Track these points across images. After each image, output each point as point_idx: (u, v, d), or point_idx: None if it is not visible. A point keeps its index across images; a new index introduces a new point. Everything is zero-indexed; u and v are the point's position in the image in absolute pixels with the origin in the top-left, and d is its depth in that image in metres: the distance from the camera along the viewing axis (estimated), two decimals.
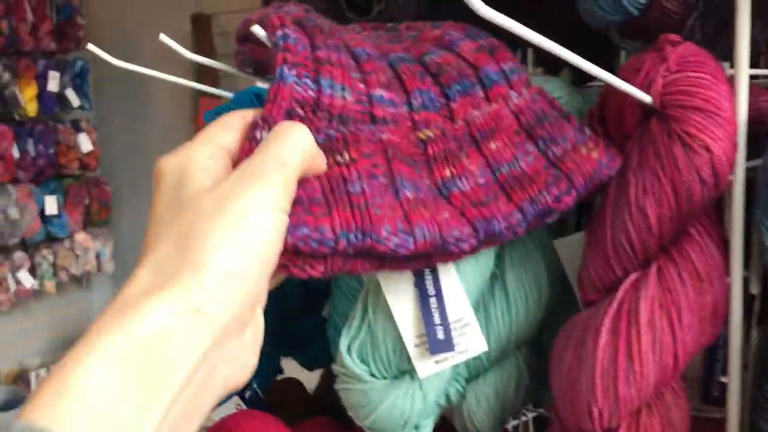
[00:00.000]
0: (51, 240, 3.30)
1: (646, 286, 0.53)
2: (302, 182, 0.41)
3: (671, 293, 0.53)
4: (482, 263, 0.59)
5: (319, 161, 0.42)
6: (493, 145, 0.52)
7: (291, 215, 0.39)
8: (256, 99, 0.72)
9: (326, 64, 0.47)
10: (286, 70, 0.45)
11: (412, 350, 0.55)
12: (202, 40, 3.38)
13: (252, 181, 0.36)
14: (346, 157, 0.44)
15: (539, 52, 0.72)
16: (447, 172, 0.50)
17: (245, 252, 0.34)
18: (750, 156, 0.53)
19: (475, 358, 0.63)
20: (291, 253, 0.40)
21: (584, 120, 0.59)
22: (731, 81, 0.53)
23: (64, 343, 3.46)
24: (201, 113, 3.41)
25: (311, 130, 0.42)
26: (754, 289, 0.56)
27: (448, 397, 0.63)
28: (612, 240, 0.55)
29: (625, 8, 0.56)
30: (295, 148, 0.39)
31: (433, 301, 0.56)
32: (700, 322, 0.53)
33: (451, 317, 0.56)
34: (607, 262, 0.56)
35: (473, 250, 0.50)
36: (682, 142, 0.52)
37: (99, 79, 3.65)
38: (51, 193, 3.28)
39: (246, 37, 0.56)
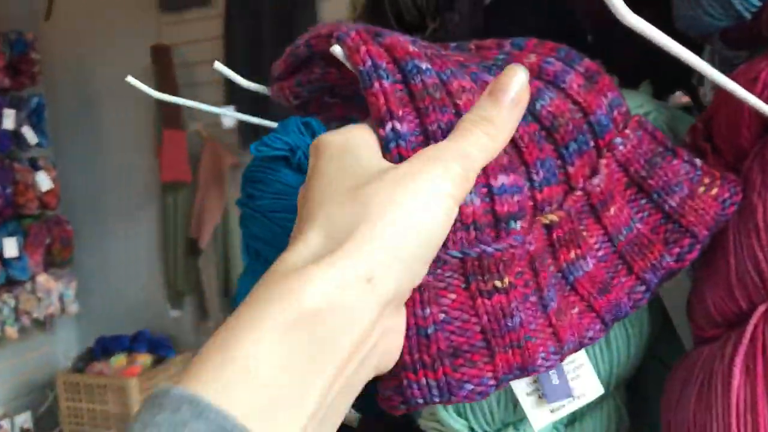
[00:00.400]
0: (11, 283, 3.17)
1: None
2: (463, 329, 0.38)
3: None
4: None
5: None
6: (611, 211, 0.46)
7: (454, 372, 0.37)
8: (304, 127, 0.66)
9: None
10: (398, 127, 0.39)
11: (524, 399, 0.49)
12: (163, 72, 3.34)
13: (432, 164, 0.35)
14: (506, 281, 0.39)
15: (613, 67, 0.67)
16: (572, 255, 0.45)
17: (417, 230, 0.34)
18: None
19: None
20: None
21: (686, 142, 0.53)
22: None
23: (28, 391, 3.31)
24: (164, 145, 3.34)
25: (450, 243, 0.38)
26: None
27: None
28: (736, 269, 0.50)
29: (738, 11, 0.51)
30: (480, 146, 0.37)
31: None
32: None
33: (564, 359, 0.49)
34: (731, 293, 0.50)
35: None
36: None
37: (56, 115, 3.56)
38: (10, 234, 3.16)
39: (306, 60, 0.47)
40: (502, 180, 0.41)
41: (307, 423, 0.29)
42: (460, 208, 0.38)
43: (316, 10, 2.93)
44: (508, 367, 0.39)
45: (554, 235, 0.44)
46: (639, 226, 0.47)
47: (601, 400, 0.60)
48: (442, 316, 0.38)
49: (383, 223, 0.33)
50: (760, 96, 0.49)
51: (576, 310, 0.44)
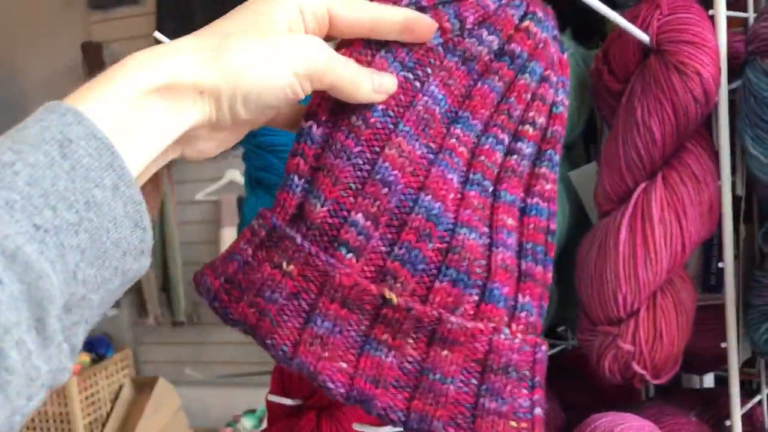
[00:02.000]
0: None
1: (654, 190, 0.65)
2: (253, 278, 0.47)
3: (676, 193, 0.64)
4: None
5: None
6: (444, 352, 0.47)
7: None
8: None
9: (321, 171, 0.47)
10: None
11: None
12: (93, 70, 3.33)
13: (307, 46, 0.43)
14: (291, 269, 0.46)
15: None
16: (383, 337, 0.46)
17: (256, 82, 0.41)
18: (730, 81, 0.66)
19: None
20: None
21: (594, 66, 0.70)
22: (712, 20, 0.66)
23: None
24: None
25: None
26: (740, 191, 0.69)
27: None
28: (624, 156, 0.66)
29: None
30: (346, 77, 0.45)
31: None
32: (700, 216, 0.65)
33: None
34: (620, 175, 0.67)
35: None
36: (677, 70, 0.64)
37: None
38: None
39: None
40: (358, 217, 0.46)
41: (145, 162, 0.39)
42: (307, 206, 0.46)
43: None
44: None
45: (383, 310, 0.46)
46: (452, 388, 0.47)
47: None
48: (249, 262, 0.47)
49: (231, 62, 0.40)
50: (639, 28, 0.66)
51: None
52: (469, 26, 0.50)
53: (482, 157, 0.50)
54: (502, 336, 0.47)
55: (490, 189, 0.50)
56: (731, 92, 0.67)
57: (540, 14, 0.51)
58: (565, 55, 0.54)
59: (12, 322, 0.31)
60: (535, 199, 0.52)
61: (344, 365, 0.46)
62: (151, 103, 0.38)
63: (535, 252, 0.52)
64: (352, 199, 0.46)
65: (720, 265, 0.68)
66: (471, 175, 0.49)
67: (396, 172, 0.47)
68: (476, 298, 0.48)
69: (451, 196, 0.48)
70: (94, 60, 3.36)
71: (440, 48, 0.49)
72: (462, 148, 0.49)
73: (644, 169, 0.66)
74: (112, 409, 3.59)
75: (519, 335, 0.48)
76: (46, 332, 0.33)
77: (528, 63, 0.50)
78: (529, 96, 0.51)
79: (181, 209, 3.51)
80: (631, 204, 0.65)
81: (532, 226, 0.52)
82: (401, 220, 0.47)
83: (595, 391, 0.86)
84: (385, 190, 0.46)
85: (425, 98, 0.48)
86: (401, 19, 0.46)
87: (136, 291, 3.56)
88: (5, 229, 0.32)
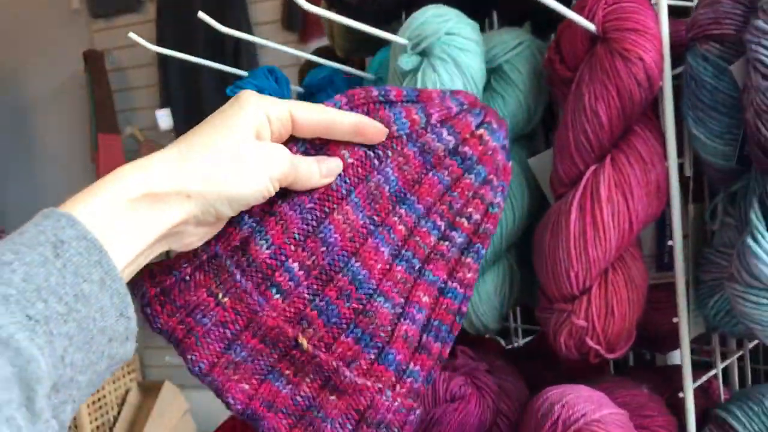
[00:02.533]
0: None
1: (603, 172, 0.68)
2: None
3: (623, 174, 0.67)
4: None
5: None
6: (332, 397, 0.55)
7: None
8: (269, 73, 0.85)
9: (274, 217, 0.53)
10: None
11: None
12: (96, 78, 3.38)
13: (273, 153, 0.51)
14: (224, 299, 0.53)
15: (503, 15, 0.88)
16: (287, 372, 0.54)
17: (237, 190, 0.49)
18: (675, 67, 0.69)
19: None
20: None
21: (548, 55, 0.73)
22: (655, 8, 0.69)
23: None
24: (101, 150, 3.40)
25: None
26: (688, 172, 0.71)
27: None
28: (574, 140, 0.69)
29: None
30: (304, 174, 0.53)
31: None
32: (647, 195, 0.68)
33: None
34: (572, 159, 0.70)
35: None
36: (621, 56, 0.66)
37: None
38: None
39: None
40: (294, 265, 0.53)
41: (131, 259, 0.44)
42: (253, 245, 0.52)
43: (247, 14, 3.08)
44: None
45: (293, 351, 0.54)
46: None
47: (497, 259, 0.79)
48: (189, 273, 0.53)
49: (216, 170, 0.48)
50: (586, 19, 0.69)
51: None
52: (433, 122, 0.57)
53: (418, 238, 0.57)
54: (384, 397, 0.55)
55: (417, 266, 0.57)
56: (676, 77, 0.69)
57: (494, 125, 0.59)
58: (510, 164, 0.62)
59: (3, 400, 0.35)
60: (455, 284, 0.59)
61: (246, 387, 0.54)
62: (138, 208, 0.44)
63: (440, 330, 0.59)
64: (293, 248, 0.53)
65: (669, 243, 0.70)
66: (403, 252, 0.56)
67: (337, 235, 0.53)
68: (372, 357, 0.55)
69: (379, 266, 0.55)
70: (97, 68, 3.40)
71: (404, 137, 0.57)
72: (401, 227, 0.56)
73: (593, 153, 0.69)
74: (119, 413, 3.62)
75: (399, 398, 0.56)
76: (35, 410, 0.37)
77: (476, 166, 0.58)
78: (471, 194, 0.58)
79: None
80: (581, 186, 0.68)
81: (444, 306, 0.59)
82: (329, 277, 0.53)
83: (564, 371, 0.89)
84: (323, 248, 0.53)
85: (379, 176, 0.55)
86: (352, 124, 0.55)
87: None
88: (0, 319, 0.36)
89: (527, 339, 1.11)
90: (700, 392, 0.77)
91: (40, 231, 0.40)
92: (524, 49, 0.78)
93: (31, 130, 3.67)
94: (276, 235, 0.53)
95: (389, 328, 0.55)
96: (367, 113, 0.56)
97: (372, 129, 0.55)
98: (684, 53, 0.69)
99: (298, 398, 0.54)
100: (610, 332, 0.68)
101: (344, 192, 0.55)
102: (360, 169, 0.55)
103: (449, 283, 0.59)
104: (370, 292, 0.54)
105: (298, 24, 2.95)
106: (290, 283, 0.52)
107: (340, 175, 0.55)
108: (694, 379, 0.73)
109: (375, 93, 0.57)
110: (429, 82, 0.71)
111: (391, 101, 0.57)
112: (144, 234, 0.45)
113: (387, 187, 0.55)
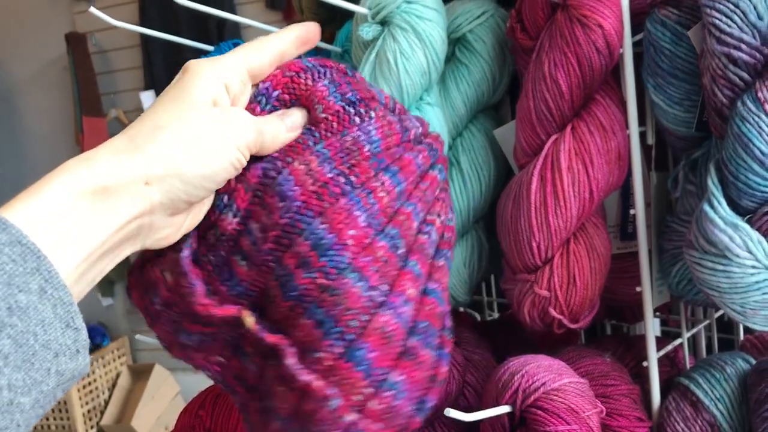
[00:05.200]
0: None
1: (564, 140, 0.67)
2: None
3: (583, 143, 0.67)
4: None
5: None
6: (281, 388, 0.47)
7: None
8: (234, 47, 0.84)
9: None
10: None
11: None
12: (79, 60, 3.36)
13: (238, 124, 0.46)
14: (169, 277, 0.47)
15: None
16: (249, 350, 0.49)
17: (202, 165, 0.44)
18: (635, 34, 0.68)
19: None
20: None
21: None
22: None
23: None
24: (86, 133, 3.39)
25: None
26: (650, 140, 0.71)
27: None
28: (535, 110, 0.69)
29: None
30: (270, 134, 0.47)
31: None
32: (607, 164, 0.67)
33: None
34: (533, 128, 0.69)
35: None
36: (580, 23, 0.66)
37: None
38: None
39: None
40: (254, 226, 0.46)
41: (79, 262, 0.39)
42: (222, 217, 0.46)
43: None
44: None
45: (241, 330, 0.46)
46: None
47: (465, 232, 0.79)
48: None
49: (174, 150, 0.42)
50: None
51: None
52: (399, 109, 0.53)
53: (402, 218, 0.48)
54: (330, 407, 0.44)
55: (402, 251, 0.47)
56: (637, 44, 0.69)
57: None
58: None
59: None
60: (435, 285, 0.50)
61: (221, 360, 0.49)
62: (86, 204, 0.39)
63: (428, 334, 0.48)
64: (256, 208, 0.46)
65: (632, 212, 0.70)
66: (387, 228, 0.47)
67: (297, 188, 0.45)
68: (340, 351, 0.44)
69: (352, 233, 0.45)
70: (80, 50, 3.37)
71: (383, 106, 0.51)
72: (383, 194, 0.47)
73: (554, 122, 0.68)
74: (110, 396, 3.63)
75: (369, 421, 0.45)
76: None
77: (438, 163, 0.52)
78: (437, 191, 0.51)
79: None
80: (542, 155, 0.68)
81: (429, 307, 0.48)
82: (290, 240, 0.45)
83: (535, 344, 0.89)
84: (281, 203, 0.45)
85: (359, 133, 0.48)
86: (295, 39, 0.51)
87: None
88: None
89: (503, 313, 1.11)
90: (666, 361, 0.77)
91: None
92: (488, 18, 0.77)
93: (15, 114, 3.65)
94: (240, 198, 0.46)
95: (363, 317, 0.44)
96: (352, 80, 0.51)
97: (311, 27, 0.52)
98: (644, 23, 0.68)
99: (261, 380, 0.48)
100: (573, 302, 0.68)
101: (311, 143, 0.48)
102: (335, 124, 0.48)
103: (429, 283, 0.49)
104: (339, 264, 0.44)
105: (281, 3, 2.93)
106: (252, 247, 0.45)
107: (309, 128, 0.48)
108: (659, 348, 0.73)
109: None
110: (389, 51, 0.70)
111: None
112: (96, 233, 0.40)
113: (368, 147, 0.48)
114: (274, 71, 0.50)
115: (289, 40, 0.51)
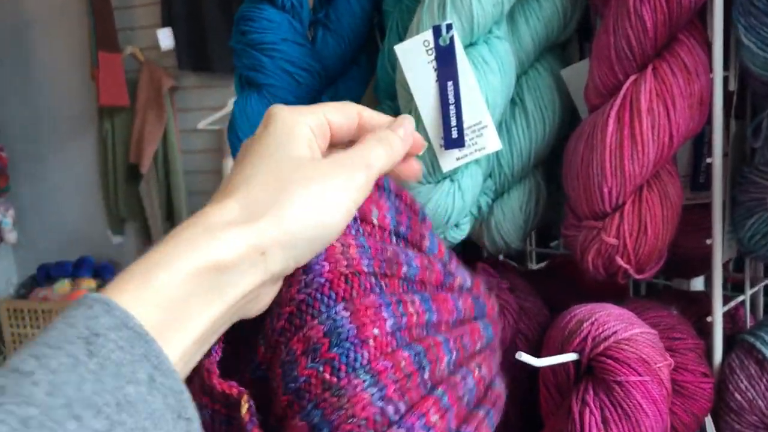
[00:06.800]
0: None
1: (644, 81, 0.64)
2: None
3: (665, 84, 0.63)
4: (506, 81, 0.68)
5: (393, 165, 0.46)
6: None
7: None
8: None
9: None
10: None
11: (438, 150, 0.64)
12: None
13: (341, 171, 0.41)
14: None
15: None
16: None
17: (316, 225, 0.40)
18: None
19: (500, 174, 0.73)
20: None
21: None
22: None
23: None
24: (101, 68, 3.34)
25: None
26: (732, 86, 0.67)
27: (480, 208, 0.72)
28: (615, 46, 0.65)
29: None
30: (381, 160, 0.44)
31: (452, 108, 0.64)
32: (689, 107, 0.64)
33: (469, 121, 0.65)
34: (611, 67, 0.66)
35: None
36: None
37: None
38: None
39: None
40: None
41: (189, 345, 0.36)
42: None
43: None
44: None
45: (235, 413, 0.40)
46: None
47: (524, 175, 0.76)
48: None
49: (290, 214, 0.39)
50: None
51: None
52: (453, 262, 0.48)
53: (431, 343, 0.42)
54: None
55: (427, 375, 0.41)
56: None
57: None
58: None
59: None
60: (469, 429, 0.43)
61: None
62: (199, 284, 0.36)
63: None
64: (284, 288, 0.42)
65: (708, 160, 0.67)
66: (414, 344, 0.41)
67: (326, 263, 0.41)
68: None
69: (376, 332, 0.39)
70: None
71: (432, 253, 0.47)
72: (413, 312, 0.42)
73: (635, 61, 0.65)
74: None
75: None
76: None
77: (487, 319, 0.47)
78: (480, 344, 0.46)
79: (185, 138, 3.49)
80: (620, 96, 0.64)
81: None
82: (302, 321, 0.40)
83: (583, 295, 0.86)
84: (304, 276, 0.41)
85: (401, 253, 0.44)
86: (390, 122, 0.46)
87: (142, 219, 3.57)
88: None
89: (541, 264, 1.08)
90: (728, 318, 0.75)
91: (69, 324, 0.32)
92: None
93: (29, 47, 3.60)
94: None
95: (368, 430, 0.38)
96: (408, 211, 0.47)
97: (417, 140, 0.47)
98: None
99: None
100: (642, 252, 0.65)
101: (353, 231, 0.44)
102: (379, 236, 0.45)
103: (465, 427, 0.43)
104: (353, 361, 0.38)
105: None
106: (270, 323, 0.41)
107: (356, 219, 0.44)
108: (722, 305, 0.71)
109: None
110: None
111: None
112: (209, 313, 0.37)
113: (405, 268, 0.44)
114: None
115: (383, 119, 0.47)
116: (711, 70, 0.65)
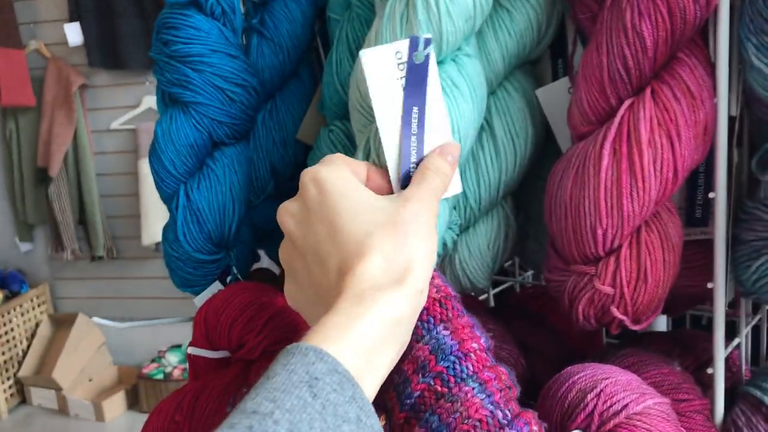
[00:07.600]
0: None
1: (643, 107, 0.55)
2: None
3: (668, 111, 0.55)
4: (477, 107, 0.59)
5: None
6: None
7: None
8: None
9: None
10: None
11: (396, 188, 0.53)
12: None
13: (422, 205, 0.48)
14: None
15: None
16: None
17: (433, 255, 0.47)
18: None
19: (466, 208, 0.63)
20: None
21: None
22: None
23: None
24: (1, 66, 3.10)
25: None
26: (734, 111, 0.60)
27: (445, 245, 0.62)
28: (608, 67, 0.56)
29: None
30: (438, 188, 0.50)
31: (413, 140, 0.54)
32: (695, 138, 0.56)
33: None
34: (602, 90, 0.57)
35: None
36: None
37: None
38: None
39: None
40: None
41: (376, 386, 0.42)
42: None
43: None
44: None
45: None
46: None
47: (492, 207, 0.67)
48: None
49: (421, 256, 0.45)
50: None
51: None
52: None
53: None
54: None
55: (518, 393, 0.49)
56: None
57: None
58: None
59: None
60: None
61: None
62: (388, 332, 0.42)
63: None
64: None
65: (710, 195, 0.59)
66: (501, 364, 0.49)
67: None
68: None
69: (475, 346, 0.46)
70: None
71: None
72: (490, 334, 0.50)
73: (631, 84, 0.56)
74: (28, 347, 3.43)
75: None
76: None
77: None
78: None
79: (97, 138, 3.31)
80: (615, 124, 0.56)
81: None
82: (408, 347, 0.46)
83: (553, 333, 0.78)
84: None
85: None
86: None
87: (52, 225, 3.37)
88: None
89: (495, 290, 1.00)
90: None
91: (291, 371, 0.38)
92: None
93: None
94: None
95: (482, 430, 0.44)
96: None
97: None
98: None
99: None
100: (641, 301, 0.57)
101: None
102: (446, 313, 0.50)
103: None
104: (461, 372, 0.45)
105: None
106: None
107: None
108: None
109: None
110: None
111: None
112: (391, 355, 0.43)
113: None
114: None
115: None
116: (715, 93, 0.57)
